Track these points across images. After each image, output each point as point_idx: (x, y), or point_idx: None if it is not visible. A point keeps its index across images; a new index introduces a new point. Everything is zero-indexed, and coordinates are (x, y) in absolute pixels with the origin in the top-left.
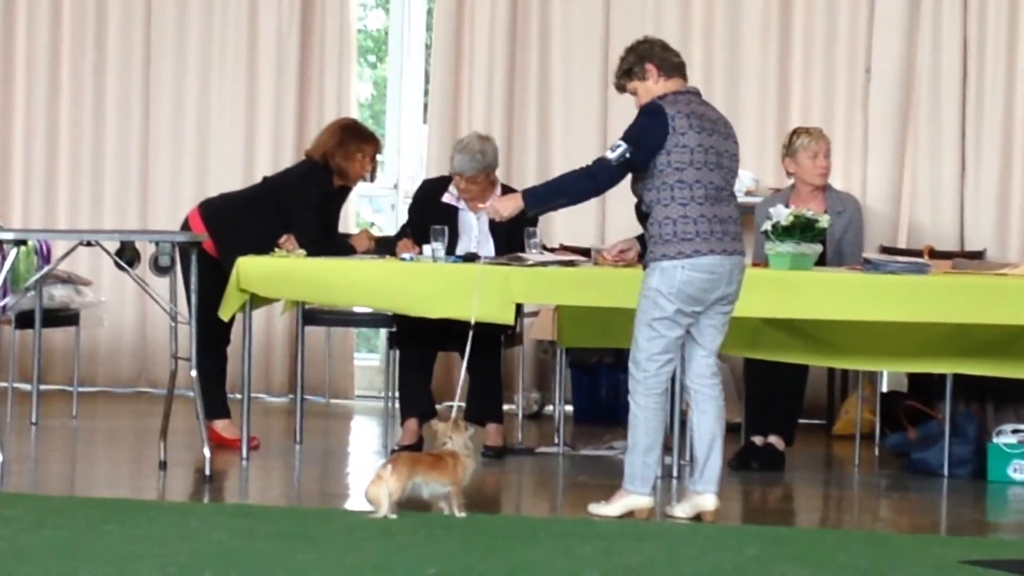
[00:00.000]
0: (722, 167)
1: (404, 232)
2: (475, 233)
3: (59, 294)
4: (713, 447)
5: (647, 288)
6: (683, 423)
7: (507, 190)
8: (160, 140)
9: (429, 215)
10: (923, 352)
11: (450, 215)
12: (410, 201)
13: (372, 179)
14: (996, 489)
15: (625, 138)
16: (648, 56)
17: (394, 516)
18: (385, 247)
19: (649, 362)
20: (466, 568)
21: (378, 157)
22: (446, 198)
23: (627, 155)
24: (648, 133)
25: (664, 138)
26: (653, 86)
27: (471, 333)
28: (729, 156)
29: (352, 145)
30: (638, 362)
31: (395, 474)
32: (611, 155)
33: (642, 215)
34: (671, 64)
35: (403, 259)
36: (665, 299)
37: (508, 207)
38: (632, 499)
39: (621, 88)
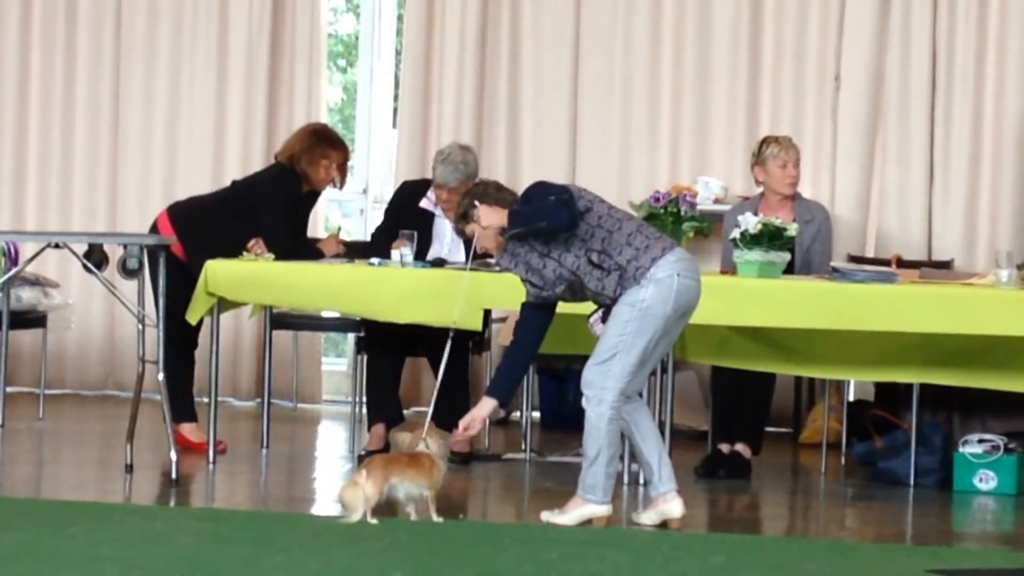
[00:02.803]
0: None
1: (378, 235)
2: (448, 240)
3: (27, 296)
4: (661, 449)
5: (636, 300)
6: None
7: None
8: (129, 143)
9: (405, 219)
10: (890, 361)
11: (426, 220)
12: (388, 203)
13: (340, 187)
14: (962, 499)
15: (544, 201)
16: (481, 197)
17: (374, 521)
18: (355, 252)
19: (624, 371)
20: (431, 573)
21: (348, 164)
22: (424, 204)
23: (562, 198)
24: (550, 189)
25: (564, 188)
26: (495, 223)
27: (449, 340)
28: None
29: (318, 150)
30: (612, 373)
31: (371, 479)
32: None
33: (597, 267)
34: (503, 198)
35: (371, 264)
36: (655, 314)
37: (491, 220)
38: (589, 508)
39: (460, 232)
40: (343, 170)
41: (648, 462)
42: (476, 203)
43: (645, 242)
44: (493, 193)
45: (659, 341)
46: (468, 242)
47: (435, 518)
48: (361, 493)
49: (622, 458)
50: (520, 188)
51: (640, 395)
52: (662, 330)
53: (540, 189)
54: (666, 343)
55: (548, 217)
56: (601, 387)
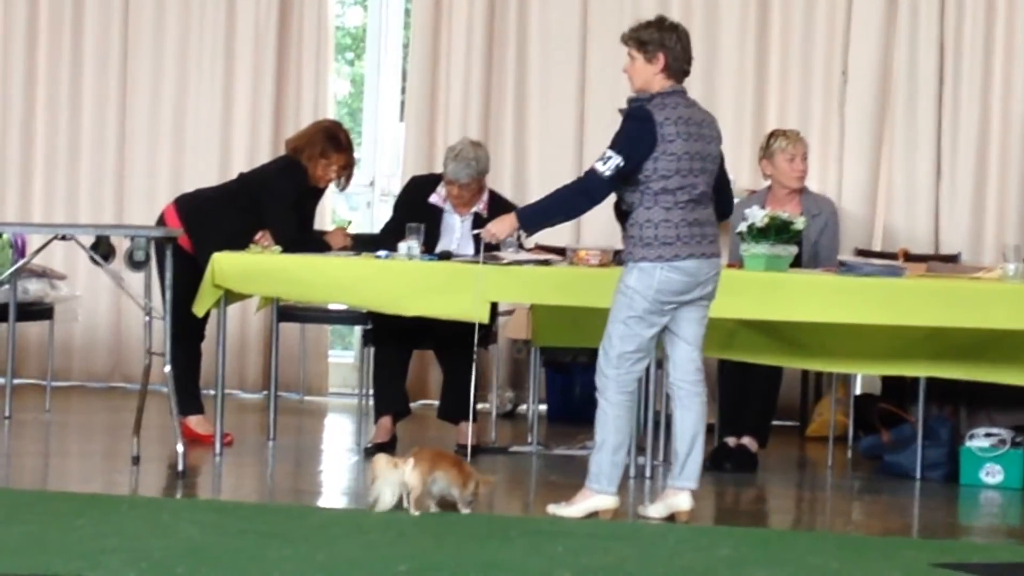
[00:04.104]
0: (705, 171)
1: (387, 231)
2: (457, 235)
3: (33, 288)
4: (695, 443)
5: (624, 286)
6: (657, 423)
7: (492, 195)
8: (136, 135)
9: (414, 214)
10: (897, 355)
11: (434, 215)
12: (396, 198)
13: (342, 189)
14: (968, 492)
15: (615, 147)
16: (668, 48)
17: (416, 513)
18: (362, 245)
19: (621, 359)
20: (437, 566)
21: (353, 168)
22: (433, 199)
23: (619, 166)
24: (637, 141)
25: (653, 146)
26: (651, 75)
27: (476, 333)
28: (711, 159)
29: (318, 148)
30: (610, 359)
31: (417, 469)
32: (603, 167)
33: (621, 213)
34: (678, 68)
35: (378, 256)
36: (642, 298)
37: (504, 230)
38: (597, 499)
39: (625, 42)
40: (345, 173)
41: (677, 451)
42: (661, 50)
43: (661, 238)
44: (679, 53)
45: (655, 326)
46: (478, 238)
47: (463, 510)
48: (396, 472)
49: (630, 451)
50: (527, 182)
51: (696, 371)
52: (650, 316)
53: (623, 136)
54: (682, 322)
55: (564, 212)
56: (604, 376)
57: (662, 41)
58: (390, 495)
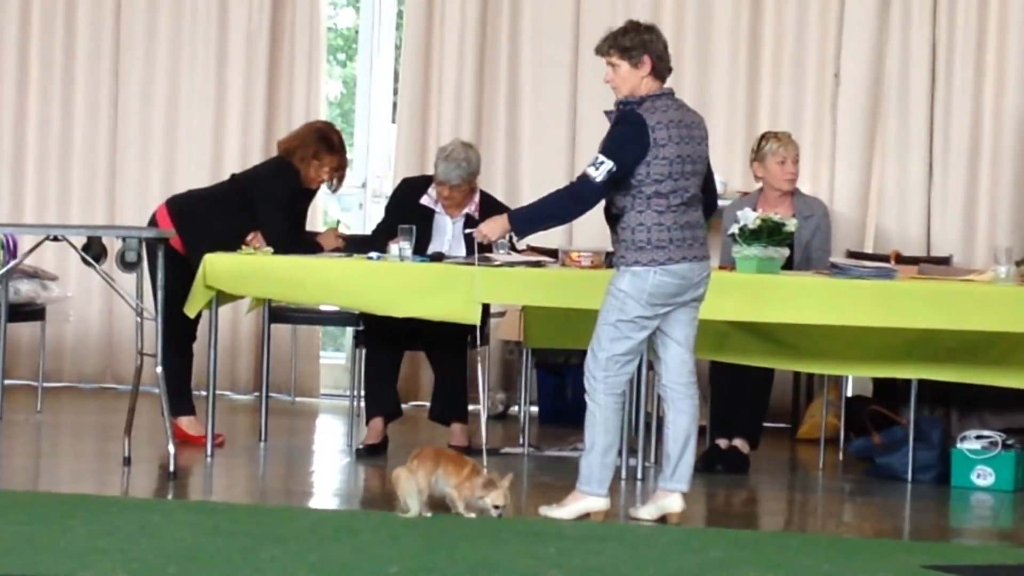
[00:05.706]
0: (696, 173)
1: (379, 232)
2: (448, 237)
3: (25, 289)
4: (687, 446)
5: (616, 289)
6: (648, 425)
7: (484, 196)
8: (129, 136)
9: (406, 216)
10: (888, 357)
11: (426, 217)
12: (388, 200)
13: (334, 190)
14: (959, 494)
15: (607, 152)
16: (652, 50)
17: (428, 514)
18: (354, 246)
19: (611, 362)
20: (429, 567)
21: (345, 169)
22: (424, 200)
23: (611, 171)
24: (630, 146)
25: (645, 151)
26: (638, 80)
27: (478, 334)
28: (701, 161)
29: (310, 150)
30: (599, 361)
31: (422, 469)
32: (595, 172)
33: (612, 217)
34: (663, 68)
35: (370, 258)
36: (634, 302)
37: (495, 231)
38: (588, 501)
39: (603, 53)
40: (338, 175)
41: (668, 454)
42: (645, 52)
43: (654, 242)
44: (662, 52)
45: (646, 330)
46: (470, 238)
47: (463, 512)
48: (415, 483)
49: (621, 453)
50: (519, 184)
51: (689, 373)
52: (641, 320)
53: (615, 141)
54: (674, 323)
55: (556, 216)
56: (592, 378)
57: (645, 44)
58: (416, 504)
